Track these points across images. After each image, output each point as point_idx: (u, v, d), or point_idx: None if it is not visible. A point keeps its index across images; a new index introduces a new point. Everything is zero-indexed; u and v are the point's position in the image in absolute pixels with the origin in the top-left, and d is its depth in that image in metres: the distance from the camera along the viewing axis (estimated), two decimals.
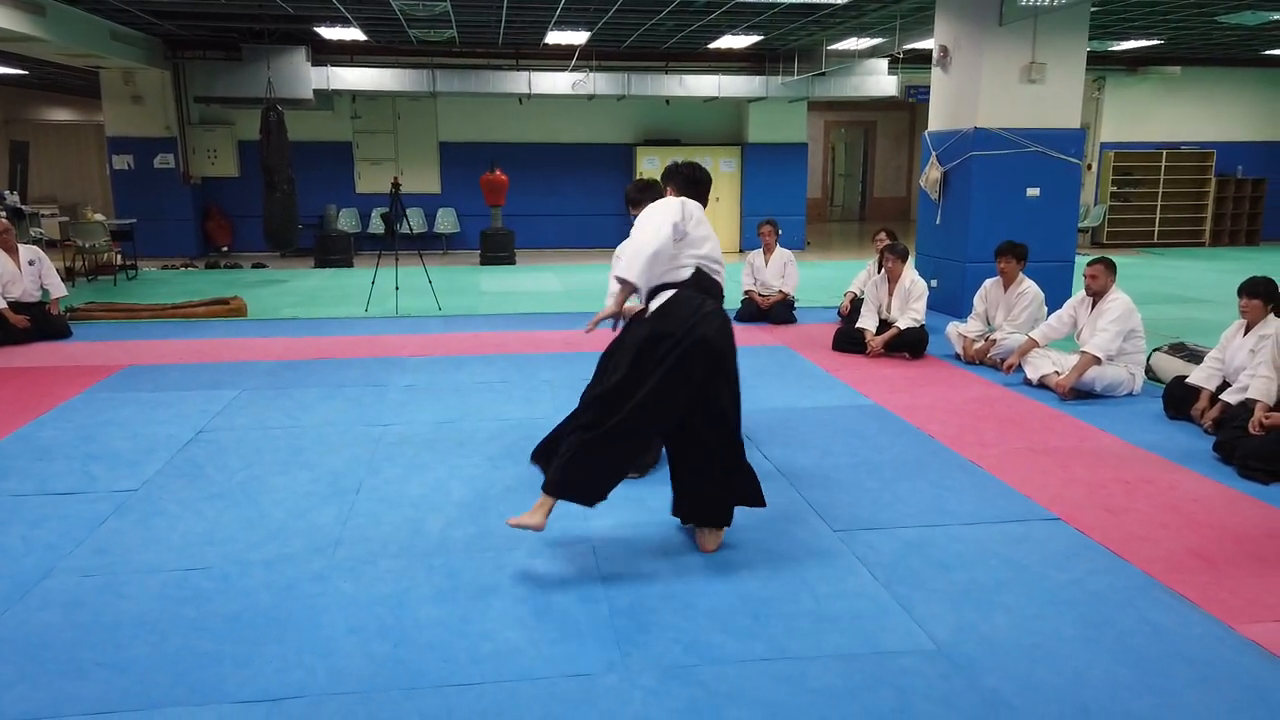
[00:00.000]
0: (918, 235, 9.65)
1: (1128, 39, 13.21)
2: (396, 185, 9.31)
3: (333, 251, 13.53)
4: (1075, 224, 8.87)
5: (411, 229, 14.58)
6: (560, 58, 13.93)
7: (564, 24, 11.78)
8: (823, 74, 13.93)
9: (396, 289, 9.49)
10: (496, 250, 13.84)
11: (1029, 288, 6.78)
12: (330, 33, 12.58)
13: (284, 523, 3.91)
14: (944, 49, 8.88)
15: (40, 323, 7.72)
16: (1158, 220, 16.11)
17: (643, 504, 4.09)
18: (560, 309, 9.28)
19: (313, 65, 13.16)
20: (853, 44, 13.03)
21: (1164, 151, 15.97)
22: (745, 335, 7.99)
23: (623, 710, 2.60)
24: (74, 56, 11.87)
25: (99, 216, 13.00)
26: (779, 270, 8.67)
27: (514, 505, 3.99)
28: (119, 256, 11.95)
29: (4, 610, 3.14)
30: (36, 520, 3.91)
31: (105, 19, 11.37)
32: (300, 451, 4.85)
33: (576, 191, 15.81)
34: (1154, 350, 6.43)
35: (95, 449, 4.86)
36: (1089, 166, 15.79)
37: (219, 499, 4.18)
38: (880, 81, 14.45)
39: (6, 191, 11.50)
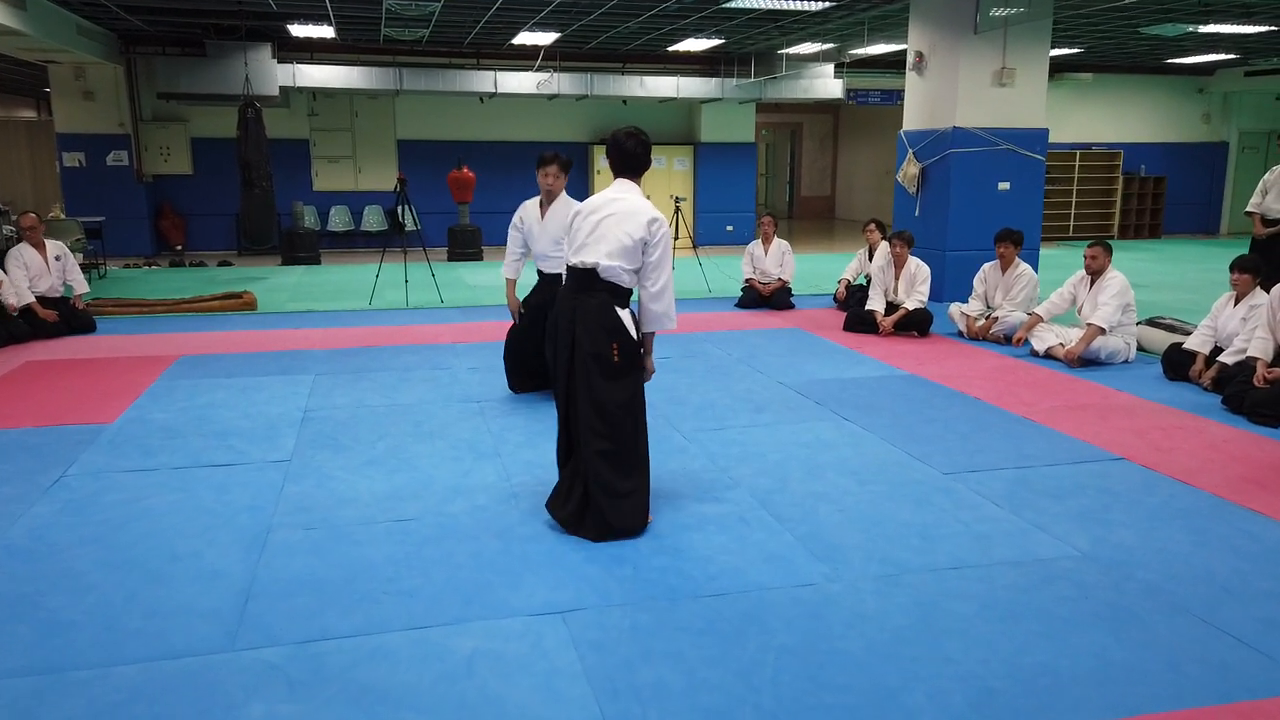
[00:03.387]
0: (892, 227, 10.38)
1: (1054, 47, 14.34)
2: (402, 182, 9.53)
3: (300, 249, 13.52)
4: (1040, 214, 9.74)
5: (418, 225, 14.54)
6: (523, 58, 14.24)
7: (536, 25, 12.14)
8: (776, 77, 14.65)
9: (406, 282, 9.73)
10: (464, 246, 14.06)
11: (1025, 270, 7.54)
12: (300, 30, 12.60)
13: (454, 482, 4.24)
14: (920, 54, 9.63)
15: (67, 317, 7.70)
16: (1073, 215, 17.42)
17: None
18: None
19: (278, 63, 13.13)
20: (806, 48, 13.77)
21: (1077, 152, 17.28)
22: (752, 320, 8.58)
23: (863, 607, 3.09)
24: (35, 51, 11.60)
25: (60, 215, 12.69)
26: (778, 259, 9.27)
27: None
28: (81, 256, 11.71)
29: (258, 557, 3.41)
30: (219, 486, 4.15)
31: (71, 12, 11.16)
32: (420, 424, 5.16)
33: (533, 189, 16.07)
34: (1136, 324, 7.27)
35: (219, 427, 5.06)
36: None
37: (375, 465, 4.47)
38: (828, 84, 15.25)
39: None
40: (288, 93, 14.26)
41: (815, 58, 14.48)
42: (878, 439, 4.92)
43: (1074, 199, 17.38)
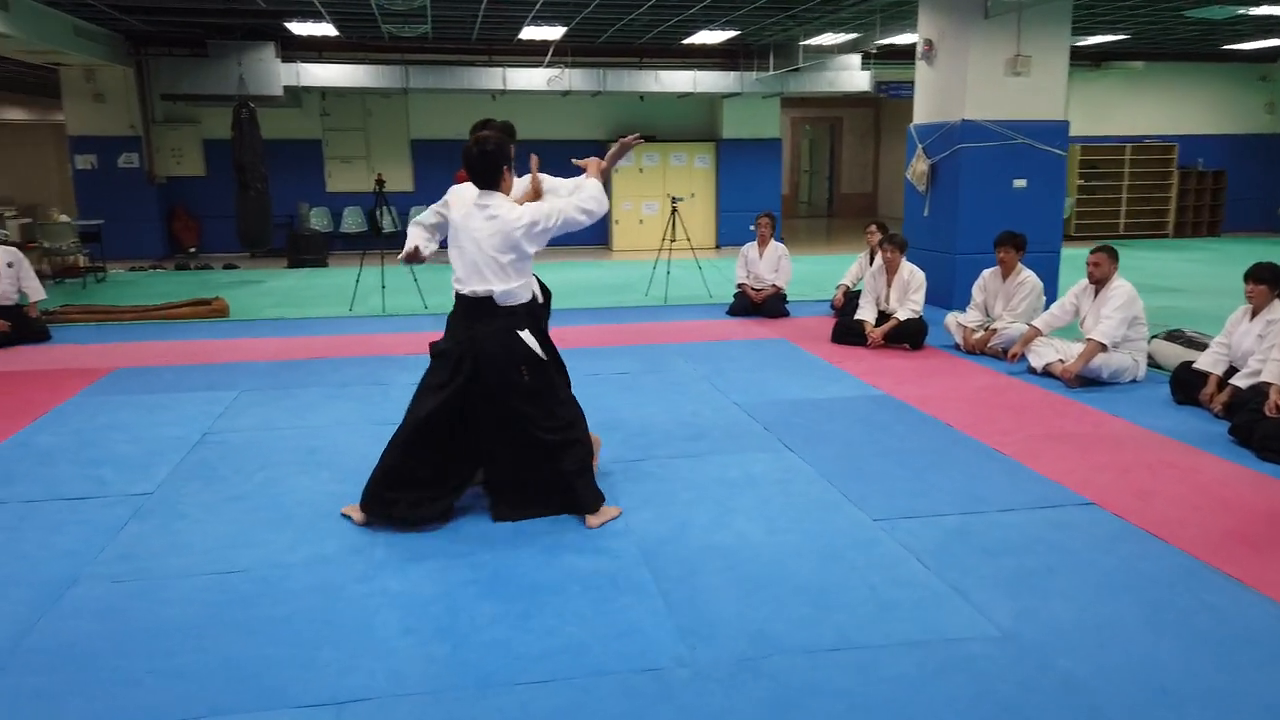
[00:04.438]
0: (904, 228, 9.70)
1: (1094, 34, 13.42)
2: (380, 182, 9.17)
3: (306, 251, 13.28)
4: (1061, 214, 8.98)
5: (396, 225, 14.26)
6: (534, 54, 13.82)
7: (540, 19, 11.69)
8: (797, 70, 13.99)
9: (383, 287, 9.34)
10: None
11: (1028, 277, 6.84)
12: (301, 28, 12.35)
13: (313, 523, 3.80)
14: (929, 42, 8.94)
15: (19, 326, 7.47)
16: (1123, 213, 16.38)
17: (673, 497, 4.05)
18: (557, 305, 9.19)
19: (282, 62, 12.91)
20: (828, 39, 13.09)
21: (1128, 145, 16.25)
22: (740, 329, 8.00)
23: (704, 705, 2.55)
24: (34, 53, 11.53)
25: (64, 217, 12.64)
26: (773, 264, 8.68)
27: None
28: (85, 258, 11.63)
29: (37, 619, 3.01)
30: (53, 526, 3.77)
31: (67, 13, 11.04)
32: (315, 451, 4.73)
33: None
34: (1153, 337, 6.51)
35: (100, 453, 4.70)
36: None
37: (240, 501, 4.05)
38: (854, 77, 14.53)
39: None
40: (298, 93, 14.07)
41: (839, 49, 13.77)
42: (814, 475, 4.35)
43: (1124, 195, 16.35)
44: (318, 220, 14.77)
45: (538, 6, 10.68)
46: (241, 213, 11.63)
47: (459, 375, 3.68)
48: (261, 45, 12.64)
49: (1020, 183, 8.67)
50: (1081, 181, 16.13)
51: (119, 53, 13.00)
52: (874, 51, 14.08)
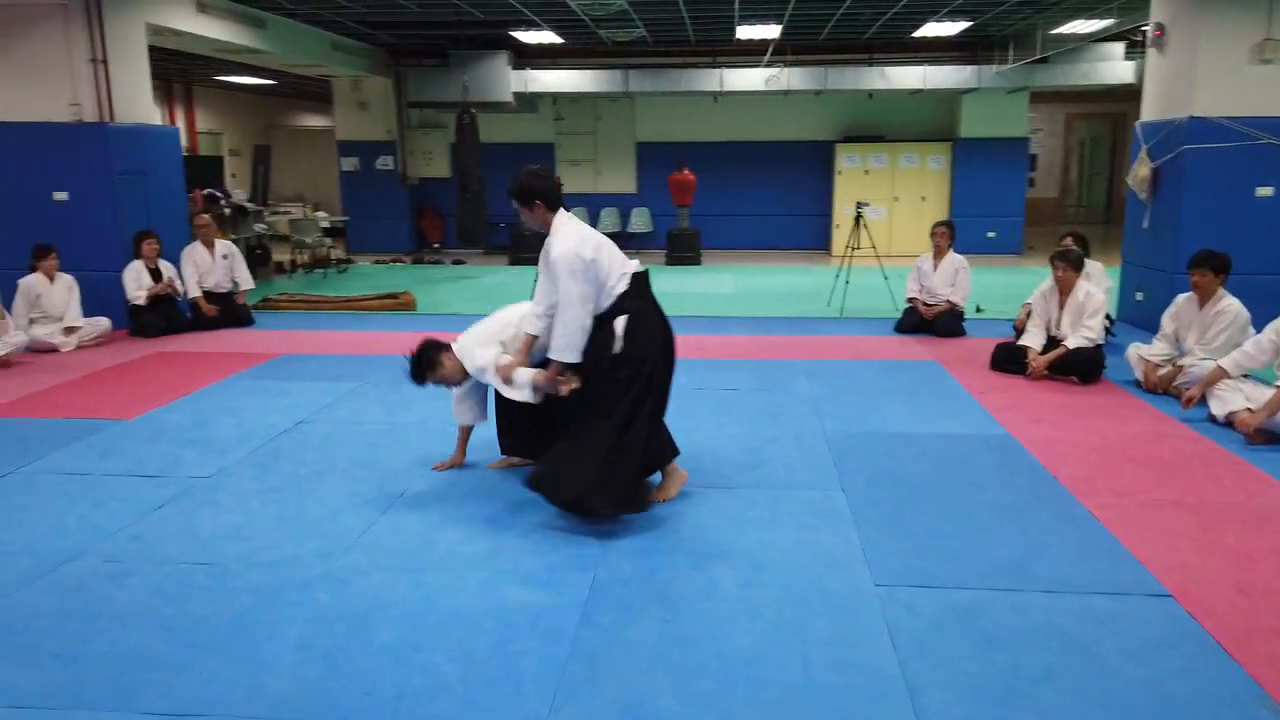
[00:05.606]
0: (1124, 241, 8.47)
1: None
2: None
3: (525, 249, 13.88)
4: None
5: None
6: (754, 54, 13.53)
7: (751, 18, 11.39)
8: (1043, 60, 12.64)
9: None
10: (682, 250, 13.68)
11: (1229, 305, 5.69)
12: (526, 37, 12.90)
13: (315, 523, 3.90)
14: (1160, 27, 7.71)
15: (227, 311, 8.39)
16: None
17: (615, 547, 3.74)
18: (722, 312, 8.96)
19: (514, 69, 13.56)
20: (1078, 27, 11.69)
21: None
22: (897, 348, 7.35)
23: None
24: (299, 66, 12.91)
25: (321, 214, 14.11)
26: (949, 277, 7.88)
27: (536, 512, 3.79)
28: (332, 251, 12.92)
29: (16, 590, 3.30)
30: (103, 500, 4.14)
31: (325, 30, 12.26)
32: (376, 448, 4.89)
33: (769, 191, 15.34)
34: None
35: (199, 434, 5.13)
36: None
37: (273, 493, 4.25)
38: (1115, 68, 12.91)
39: (237, 190, 12.67)
40: (534, 99, 14.74)
41: (1092, 37, 12.26)
42: (847, 522, 3.85)
43: None
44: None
45: (743, 4, 10.40)
46: (460, 212, 12.36)
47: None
48: (494, 54, 13.37)
49: (1265, 191, 7.25)
50: None
51: (379, 64, 14.27)
52: (1141, 39, 12.39)
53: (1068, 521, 3.87)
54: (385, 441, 5.01)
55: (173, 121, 16.53)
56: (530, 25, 12.05)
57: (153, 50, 8.82)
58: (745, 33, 12.46)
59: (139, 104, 8.44)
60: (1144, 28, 11.60)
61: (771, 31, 12.34)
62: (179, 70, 14.82)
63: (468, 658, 2.85)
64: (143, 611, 3.14)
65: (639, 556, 3.55)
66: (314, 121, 20.71)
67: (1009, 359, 6.48)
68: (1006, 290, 9.78)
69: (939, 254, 7.97)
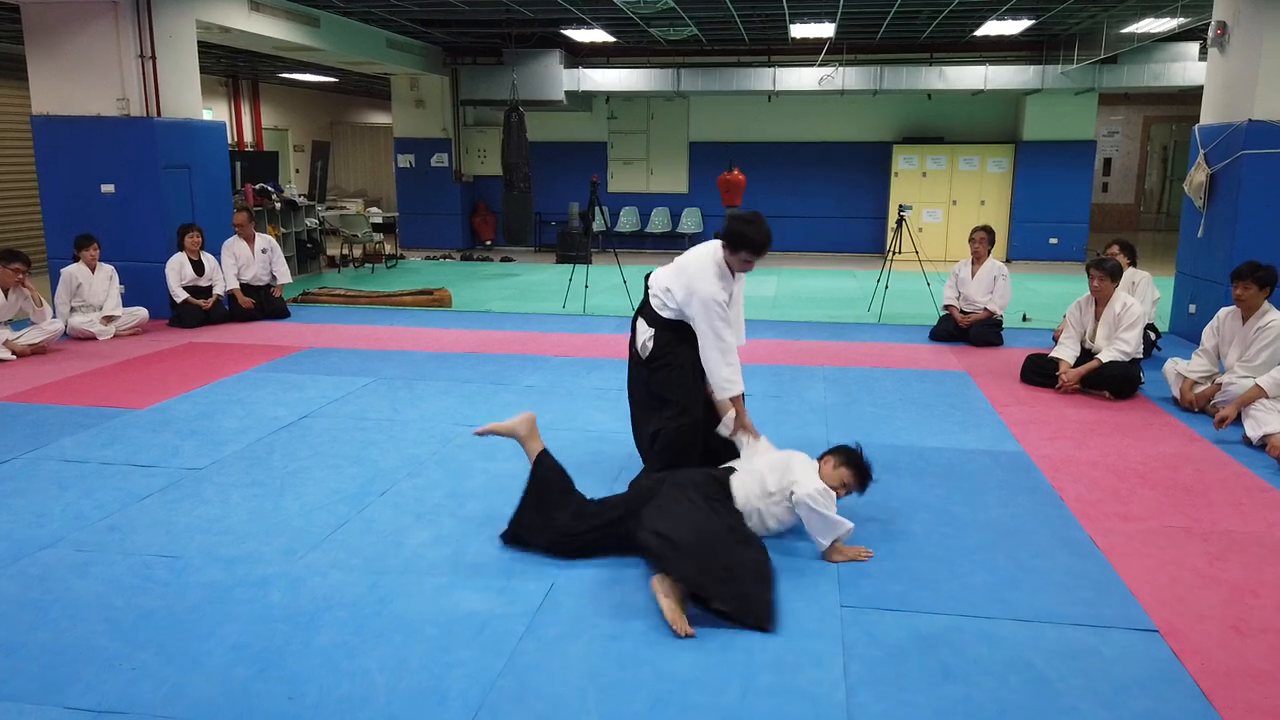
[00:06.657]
0: (1179, 250, 8.06)
1: None
2: (594, 184, 9.30)
3: (572, 248, 13.87)
4: None
5: (606, 224, 14.27)
6: (811, 53, 13.30)
7: (803, 16, 11.18)
8: (1112, 61, 12.15)
9: (586, 287, 9.49)
10: None
11: (1273, 321, 5.34)
12: (579, 35, 12.88)
13: (287, 519, 3.89)
14: (1221, 25, 7.30)
15: (264, 304, 8.54)
16: None
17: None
18: (757, 316, 8.78)
19: (567, 68, 13.56)
20: (1147, 26, 11.19)
21: None
22: (927, 356, 7.11)
23: None
24: (356, 63, 13.10)
25: (374, 210, 14.29)
26: (987, 285, 7.59)
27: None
28: (384, 246, 13.10)
29: None
30: (94, 488, 4.20)
31: (380, 28, 12.41)
32: (370, 445, 4.88)
33: (824, 193, 15.06)
34: None
35: (204, 425, 5.20)
36: None
37: (257, 486, 4.26)
38: (1188, 69, 12.33)
39: (290, 185, 12.92)
40: (588, 98, 14.72)
41: (1163, 37, 11.72)
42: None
43: None
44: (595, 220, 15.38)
45: (793, 2, 10.20)
46: (505, 210, 12.39)
47: None
48: (547, 53, 13.38)
49: None
50: None
51: (435, 62, 14.41)
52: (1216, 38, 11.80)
53: (1063, 546, 3.65)
54: (381, 439, 4.99)
55: (239, 117, 16.96)
56: (581, 24, 12.03)
57: (219, 47, 9.00)
58: (799, 31, 12.23)
59: (186, 99, 8.63)
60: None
61: (826, 30, 12.10)
62: (247, 67, 15.18)
63: (401, 666, 2.79)
64: (95, 603, 3.15)
65: (601, 568, 3.45)
66: (376, 119, 21.05)
67: (1039, 371, 6.20)
68: (1059, 300, 9.39)
69: (977, 260, 7.68)
